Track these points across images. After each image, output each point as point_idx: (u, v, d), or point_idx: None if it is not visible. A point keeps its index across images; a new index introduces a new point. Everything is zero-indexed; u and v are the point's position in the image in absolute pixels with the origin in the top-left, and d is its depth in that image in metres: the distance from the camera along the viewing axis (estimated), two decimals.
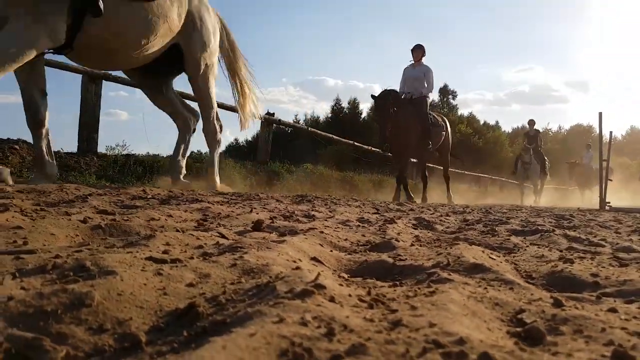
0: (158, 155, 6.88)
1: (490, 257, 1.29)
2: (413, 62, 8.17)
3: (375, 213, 3.30)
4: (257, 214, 2.22)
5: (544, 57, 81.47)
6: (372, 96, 7.75)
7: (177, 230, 1.23)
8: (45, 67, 4.96)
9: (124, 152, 6.63)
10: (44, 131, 3.53)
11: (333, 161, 11.48)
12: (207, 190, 4.32)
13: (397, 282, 0.99)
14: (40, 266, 0.73)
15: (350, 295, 0.67)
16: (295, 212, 2.63)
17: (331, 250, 1.28)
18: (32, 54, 2.97)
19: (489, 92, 75.32)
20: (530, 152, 13.48)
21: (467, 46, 75.43)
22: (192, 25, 4.24)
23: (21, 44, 2.90)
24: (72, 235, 1.24)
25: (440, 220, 2.91)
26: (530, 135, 14.04)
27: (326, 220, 2.31)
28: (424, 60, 8.26)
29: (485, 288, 0.88)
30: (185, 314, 0.60)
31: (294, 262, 0.97)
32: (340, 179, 9.74)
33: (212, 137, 4.76)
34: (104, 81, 5.81)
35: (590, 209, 8.31)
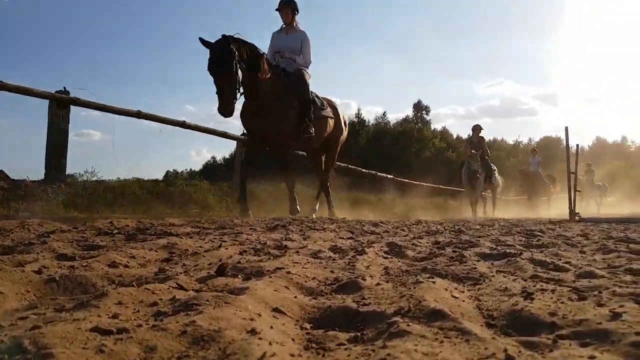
0: (128, 179, 6.77)
1: (452, 296, 1.30)
2: (283, 25, 6.25)
3: (349, 238, 3.30)
4: (226, 249, 2.19)
5: (513, 71, 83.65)
6: (203, 41, 4.95)
7: (132, 285, 1.20)
8: (10, 93, 4.87)
9: (93, 179, 6.52)
10: None
11: (312, 178, 11.47)
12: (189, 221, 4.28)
13: (358, 335, 0.98)
14: None
15: None
16: (267, 242, 2.60)
17: (295, 297, 1.27)
18: None
19: (461, 106, 76.85)
20: (478, 160, 12.21)
21: (439, 62, 76.98)
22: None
23: None
24: (23, 292, 1.19)
25: (413, 245, 2.92)
26: (473, 142, 13.03)
27: (298, 251, 2.29)
28: (299, 24, 6.32)
29: (442, 342, 0.87)
30: None
31: (252, 319, 0.95)
32: (314, 196, 9.72)
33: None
34: (71, 106, 5.72)
35: (561, 220, 8.49)
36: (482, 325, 1.10)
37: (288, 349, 0.77)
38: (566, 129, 9.59)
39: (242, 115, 5.80)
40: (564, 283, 1.61)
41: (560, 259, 2.31)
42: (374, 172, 13.85)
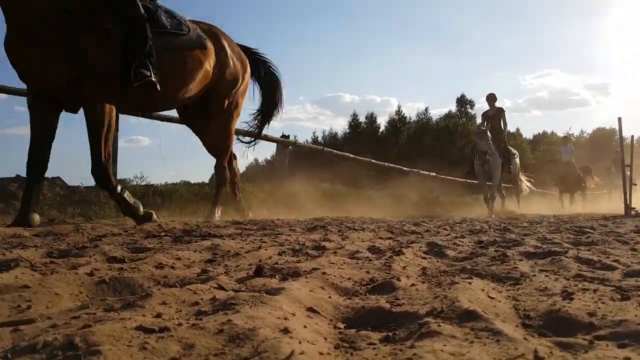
0: (177, 183, 7.01)
1: (488, 296, 1.29)
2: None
3: (388, 238, 3.30)
4: (266, 249, 2.25)
5: (562, 61, 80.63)
6: None
7: (176, 285, 1.26)
8: None
9: (143, 183, 6.78)
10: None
11: (352, 177, 11.50)
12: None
13: (390, 335, 1.00)
14: (31, 345, 0.77)
15: None
16: (306, 243, 2.65)
17: (330, 297, 1.30)
18: None
19: (508, 99, 74.70)
20: (487, 138, 9.20)
21: (484, 54, 75.09)
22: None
23: None
24: (76, 293, 1.28)
25: (454, 244, 2.89)
26: (489, 115, 10.21)
27: (335, 252, 2.33)
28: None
29: (471, 342, 0.88)
30: None
31: (286, 319, 0.99)
32: (358, 196, 9.74)
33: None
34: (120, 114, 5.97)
35: (616, 215, 8.12)
36: (517, 326, 1.09)
37: (318, 348, 0.80)
38: (619, 119, 9.19)
39: (6, 45, 3.32)
40: (608, 282, 1.57)
41: (608, 257, 2.23)
42: (398, 166, 13.39)
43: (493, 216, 8.74)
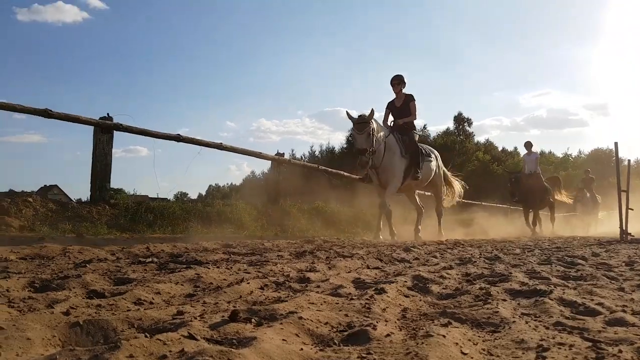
0: (168, 200, 7.01)
1: (461, 352, 1.29)
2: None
3: (376, 268, 3.28)
4: (248, 283, 2.24)
5: (561, 80, 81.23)
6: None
7: (146, 335, 1.26)
8: (57, 120, 5.20)
9: (134, 195, 6.77)
10: None
11: (347, 195, 11.48)
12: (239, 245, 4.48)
13: None
14: None
15: None
16: (291, 274, 2.64)
17: (301, 349, 1.29)
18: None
19: (507, 117, 75.16)
20: (369, 132, 8.76)
21: (483, 72, 75.70)
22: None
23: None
24: (49, 337, 1.27)
25: (440, 277, 2.88)
26: (395, 105, 9.25)
27: (319, 285, 2.32)
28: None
29: None
30: None
31: None
32: (351, 215, 9.73)
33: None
34: (114, 131, 6.00)
35: (611, 240, 8.13)
36: None
37: None
38: (615, 144, 9.22)
39: None
40: (587, 333, 1.56)
41: (592, 299, 2.23)
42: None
43: (381, 238, 7.25)
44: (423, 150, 8.30)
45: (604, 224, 18.20)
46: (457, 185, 9.68)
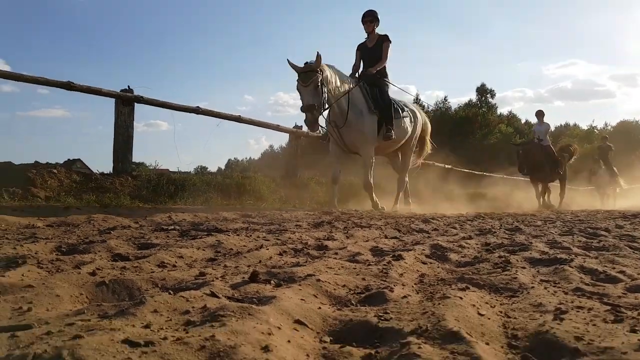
0: (189, 172, 7.10)
1: (478, 313, 1.30)
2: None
3: (394, 237, 3.30)
4: (267, 249, 2.28)
5: (588, 50, 78.54)
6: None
7: (170, 292, 1.29)
8: (80, 93, 5.27)
9: (155, 168, 6.87)
10: None
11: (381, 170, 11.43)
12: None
13: (372, 353, 1.02)
14: (22, 355, 0.80)
15: None
16: (309, 242, 2.67)
17: (319, 307, 1.32)
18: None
19: (530, 89, 73.38)
20: (316, 83, 7.47)
21: (506, 43, 73.60)
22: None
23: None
24: (76, 294, 1.33)
25: (459, 246, 2.88)
26: (367, 46, 8.14)
27: (337, 252, 2.34)
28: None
29: None
30: None
31: (269, 334, 1.01)
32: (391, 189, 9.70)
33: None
34: (135, 104, 6.05)
35: (636, 213, 7.96)
36: (502, 347, 1.10)
37: None
38: None
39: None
40: (607, 298, 1.56)
41: (614, 267, 2.21)
42: None
43: (336, 212, 5.39)
44: (396, 105, 6.87)
45: (628, 198, 16.39)
46: (428, 146, 8.31)
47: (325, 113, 5.98)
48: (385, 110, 6.51)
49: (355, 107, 6.25)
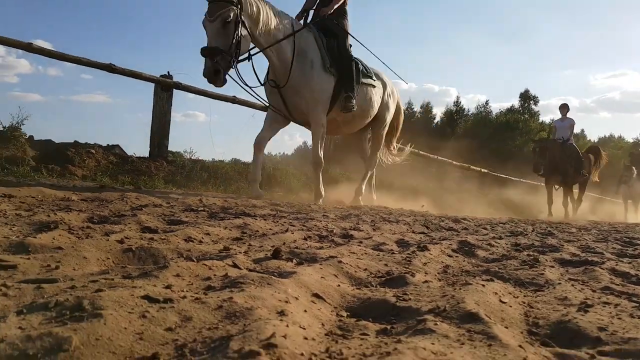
0: (222, 161, 7.21)
1: (500, 301, 1.27)
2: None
3: (421, 232, 3.26)
4: (292, 233, 2.30)
5: (638, 61, 75.39)
6: None
7: (193, 260, 1.32)
8: (120, 75, 5.44)
9: (191, 157, 7.01)
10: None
11: (400, 167, 11.35)
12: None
13: (387, 328, 1.01)
14: (45, 302, 0.84)
15: (302, 355, 0.71)
16: (335, 230, 2.68)
17: (339, 285, 1.32)
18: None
19: (576, 98, 71.16)
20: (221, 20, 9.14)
21: (553, 49, 71.52)
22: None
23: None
24: (103, 258, 1.37)
25: (488, 245, 2.83)
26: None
27: (361, 242, 2.34)
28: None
29: (462, 344, 0.88)
30: None
31: (287, 302, 1.02)
32: (402, 187, 9.64)
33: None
34: (174, 90, 6.19)
35: None
36: (521, 332, 1.08)
37: (307, 333, 0.83)
38: None
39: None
40: (636, 298, 1.50)
41: None
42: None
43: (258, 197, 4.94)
44: (361, 65, 5.43)
45: None
46: (398, 131, 6.91)
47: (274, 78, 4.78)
48: (345, 70, 5.05)
49: (303, 60, 4.80)
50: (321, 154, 5.09)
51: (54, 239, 1.49)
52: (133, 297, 0.90)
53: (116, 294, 0.89)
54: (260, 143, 4.98)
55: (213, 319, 0.87)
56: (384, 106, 5.95)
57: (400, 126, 6.80)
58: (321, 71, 4.88)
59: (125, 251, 1.44)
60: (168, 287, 1.04)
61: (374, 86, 5.63)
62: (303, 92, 4.84)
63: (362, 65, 5.46)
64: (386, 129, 6.18)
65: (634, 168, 14.37)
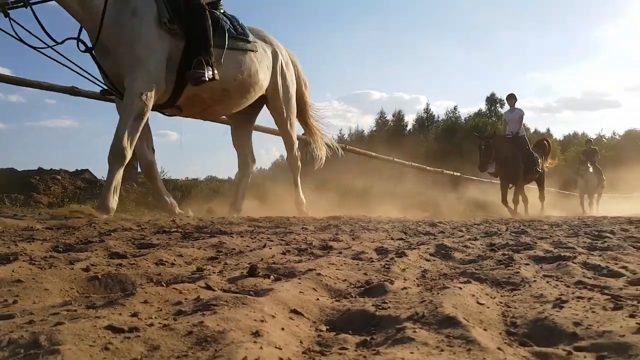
0: (197, 179, 7.11)
1: (477, 302, 1.26)
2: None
3: (399, 239, 3.26)
4: (270, 248, 2.26)
5: (596, 61, 78.01)
6: None
7: (163, 284, 1.28)
8: (86, 99, 5.21)
9: (164, 177, 6.89)
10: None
11: (377, 175, 11.39)
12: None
13: (367, 339, 0.99)
14: None
15: None
16: (314, 242, 2.65)
17: (317, 299, 1.29)
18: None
19: (539, 98, 73.12)
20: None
21: (517, 53, 73.34)
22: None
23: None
24: (67, 288, 1.31)
25: (464, 247, 2.84)
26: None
27: (340, 252, 2.32)
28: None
29: (441, 350, 0.86)
30: None
31: (262, 321, 0.99)
32: (378, 195, 9.68)
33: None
34: None
35: None
36: (499, 334, 1.07)
37: (282, 353, 0.80)
38: None
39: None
40: (607, 290, 1.51)
41: (617, 264, 2.16)
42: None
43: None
44: (227, 23, 4.18)
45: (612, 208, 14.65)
46: (325, 140, 5.78)
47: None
48: (196, 26, 3.73)
49: (121, 7, 3.59)
50: (128, 142, 3.59)
51: (13, 271, 1.42)
52: (95, 329, 0.85)
53: (77, 327, 0.84)
54: (142, 155, 4.13)
55: (182, 346, 0.83)
56: (277, 78, 4.71)
57: (309, 103, 5.53)
58: (151, 24, 3.62)
59: (91, 279, 1.38)
60: (134, 314, 1.00)
61: (252, 51, 4.33)
62: (118, 51, 3.53)
63: (235, 23, 4.21)
64: (290, 109, 4.95)
65: (589, 162, 14.48)
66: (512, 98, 10.29)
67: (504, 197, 9.88)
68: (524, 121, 10.44)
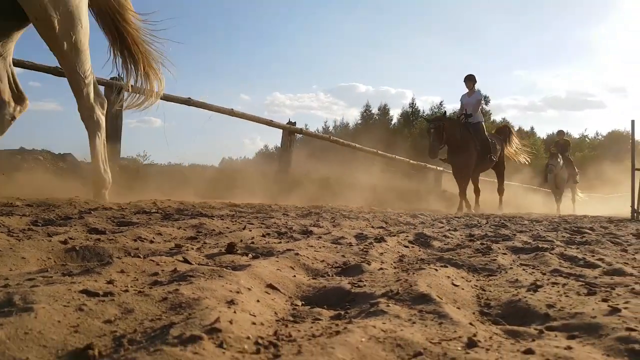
0: (180, 164, 7.06)
1: (452, 284, 1.29)
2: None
3: (380, 227, 3.29)
4: (250, 230, 2.26)
5: (581, 61, 78.84)
6: None
7: (140, 257, 1.27)
8: (60, 77, 4.92)
9: (146, 162, 6.83)
10: None
11: (362, 168, 11.44)
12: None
13: (342, 313, 1.00)
14: None
15: (248, 338, 0.69)
16: (294, 227, 2.65)
17: (294, 276, 1.30)
18: None
19: (524, 97, 73.75)
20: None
21: (503, 50, 73.56)
22: None
23: None
24: (44, 258, 1.30)
25: (444, 236, 2.88)
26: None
27: (320, 237, 2.33)
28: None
29: (413, 323, 0.88)
30: (80, 355, 0.63)
31: (238, 292, 0.99)
32: (363, 187, 9.72)
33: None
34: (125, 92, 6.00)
35: (622, 219, 8.01)
36: (473, 313, 1.09)
37: (254, 319, 0.81)
38: (632, 122, 8.98)
39: None
40: (583, 278, 1.55)
41: (594, 256, 2.21)
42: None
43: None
44: None
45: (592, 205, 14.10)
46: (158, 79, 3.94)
47: None
48: None
49: None
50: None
51: None
52: (70, 292, 0.85)
53: (51, 289, 0.84)
54: None
55: (157, 310, 0.83)
56: None
57: (127, 6, 3.70)
58: None
59: (68, 251, 1.37)
60: (110, 282, 0.99)
61: None
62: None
63: None
64: (70, 19, 3.17)
65: (560, 156, 13.30)
66: (470, 80, 9.00)
67: (462, 190, 8.77)
68: (481, 106, 9.40)
